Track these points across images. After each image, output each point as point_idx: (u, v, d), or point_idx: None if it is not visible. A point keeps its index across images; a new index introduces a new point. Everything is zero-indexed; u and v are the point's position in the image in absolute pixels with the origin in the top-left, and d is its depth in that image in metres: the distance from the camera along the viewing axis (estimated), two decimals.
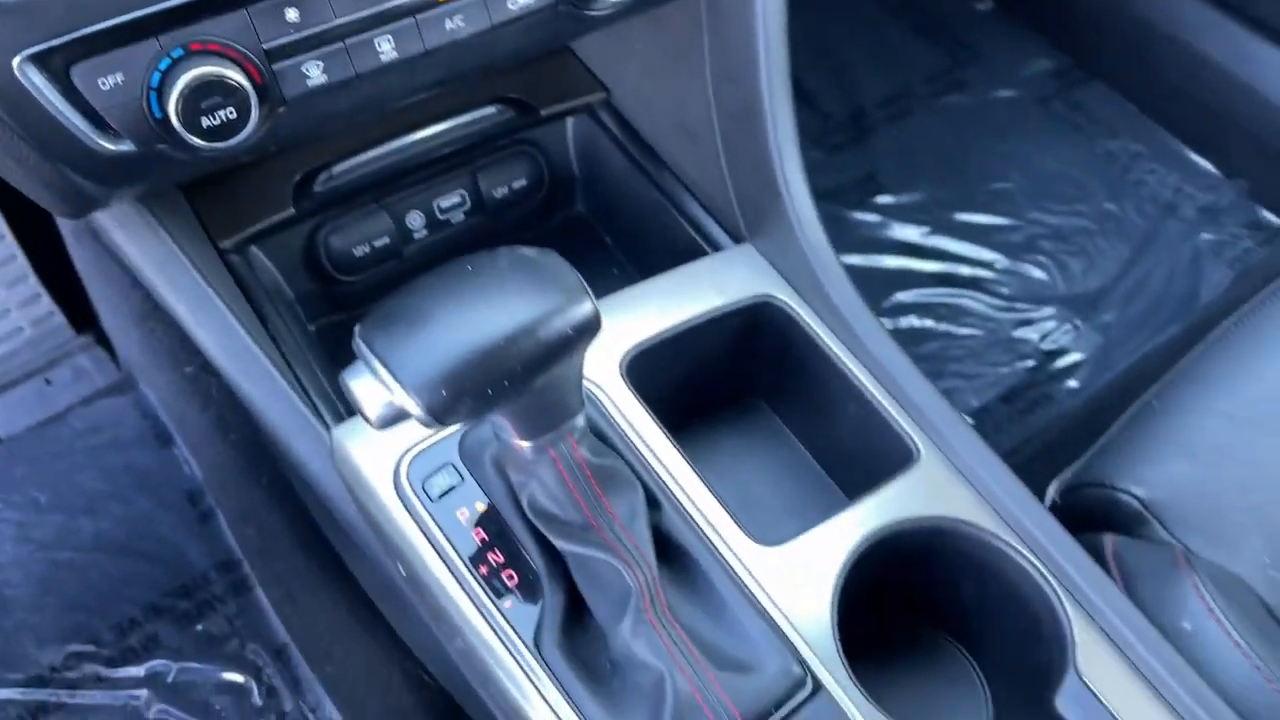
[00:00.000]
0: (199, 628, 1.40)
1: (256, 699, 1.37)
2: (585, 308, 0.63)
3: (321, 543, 1.32)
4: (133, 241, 0.86)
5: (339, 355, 0.83)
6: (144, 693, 1.36)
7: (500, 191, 1.12)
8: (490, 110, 1.07)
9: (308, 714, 1.36)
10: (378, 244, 1.07)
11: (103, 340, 1.59)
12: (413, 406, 0.61)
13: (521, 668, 0.76)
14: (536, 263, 0.65)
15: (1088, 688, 0.79)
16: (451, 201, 1.10)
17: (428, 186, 1.09)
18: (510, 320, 0.61)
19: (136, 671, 1.37)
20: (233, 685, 1.37)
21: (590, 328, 0.64)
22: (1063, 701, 0.80)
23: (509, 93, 1.08)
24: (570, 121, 1.14)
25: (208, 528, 1.46)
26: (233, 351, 0.87)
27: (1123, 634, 0.82)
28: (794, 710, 0.74)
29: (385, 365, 0.61)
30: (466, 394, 0.60)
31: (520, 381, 0.62)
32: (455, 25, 0.79)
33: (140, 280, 1.27)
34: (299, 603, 1.37)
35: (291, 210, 1.00)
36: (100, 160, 0.73)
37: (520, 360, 0.61)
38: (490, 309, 0.61)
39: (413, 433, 0.83)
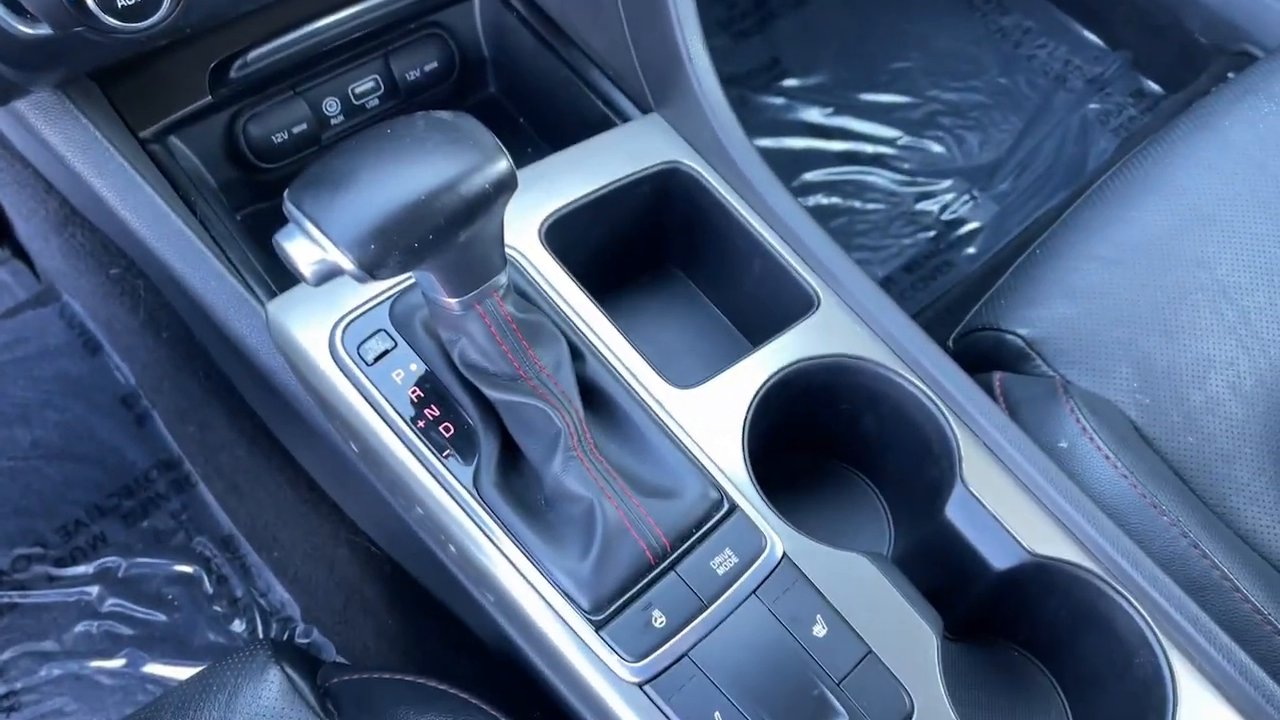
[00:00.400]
0: (145, 525, 1.44)
1: (208, 587, 1.42)
2: (501, 165, 0.67)
3: (262, 433, 1.35)
4: (56, 129, 0.87)
5: (266, 242, 0.86)
6: (96, 588, 1.40)
7: (413, 75, 1.14)
8: None
9: (258, 599, 1.42)
10: (296, 131, 1.09)
11: (20, 254, 1.59)
12: (345, 262, 0.64)
13: (465, 512, 0.81)
14: (453, 124, 0.68)
15: (973, 496, 0.88)
16: (366, 86, 1.13)
17: (342, 72, 1.11)
18: (431, 177, 0.64)
19: (86, 569, 1.41)
20: (183, 576, 1.42)
21: (507, 184, 0.68)
22: (951, 509, 0.89)
23: None
24: (477, 2, 1.16)
25: (145, 430, 1.49)
26: (164, 233, 0.89)
27: (1005, 450, 0.90)
28: (712, 528, 0.82)
29: (316, 224, 0.64)
30: (395, 248, 0.64)
31: (444, 236, 0.66)
32: None
33: (61, 177, 1.28)
34: (243, 493, 1.41)
35: (209, 98, 1.02)
36: (19, 45, 0.75)
37: (443, 215, 0.65)
38: (412, 167, 0.65)
39: (345, 302, 0.86)
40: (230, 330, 0.91)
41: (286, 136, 1.09)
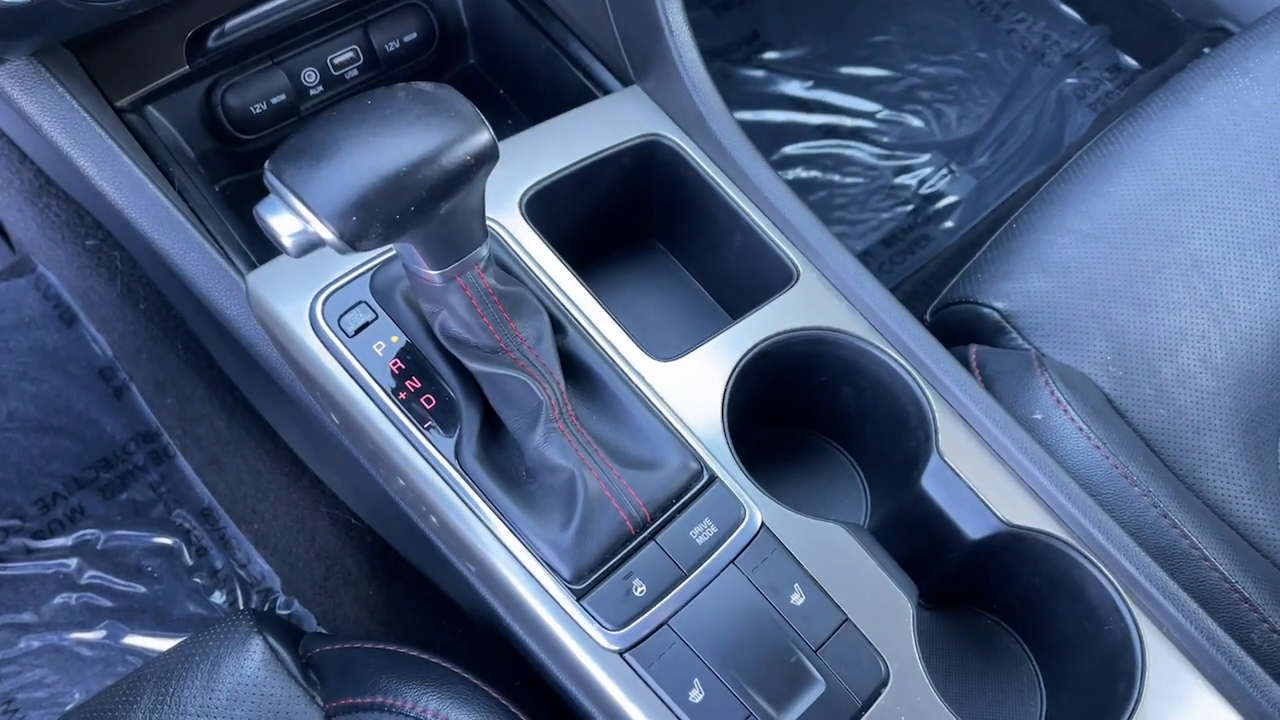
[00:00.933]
0: (123, 497, 1.44)
1: (187, 559, 1.42)
2: (483, 137, 0.67)
3: (242, 405, 1.35)
4: (31, 98, 0.86)
5: (245, 213, 0.84)
6: (74, 561, 1.39)
7: (392, 46, 1.13)
8: None
9: (238, 570, 1.42)
10: (275, 101, 1.08)
11: None
12: (326, 233, 0.64)
13: (447, 483, 0.81)
14: (434, 95, 0.68)
15: (948, 466, 0.90)
16: (345, 57, 1.12)
17: (321, 42, 1.10)
18: (413, 148, 0.64)
19: (64, 541, 1.40)
20: (163, 548, 1.42)
21: (488, 156, 0.68)
22: (927, 480, 0.90)
23: None
24: None
25: (123, 401, 1.48)
26: (142, 204, 0.88)
27: (980, 421, 0.92)
28: (692, 498, 0.82)
29: (297, 195, 0.63)
30: (376, 219, 0.64)
31: (426, 207, 0.66)
32: None
33: (36, 147, 1.26)
34: (222, 465, 1.41)
35: (186, 67, 1.01)
36: None
37: (424, 186, 0.64)
38: (393, 138, 0.64)
39: (325, 274, 0.86)
40: (210, 302, 0.90)
41: (265, 107, 1.08)
